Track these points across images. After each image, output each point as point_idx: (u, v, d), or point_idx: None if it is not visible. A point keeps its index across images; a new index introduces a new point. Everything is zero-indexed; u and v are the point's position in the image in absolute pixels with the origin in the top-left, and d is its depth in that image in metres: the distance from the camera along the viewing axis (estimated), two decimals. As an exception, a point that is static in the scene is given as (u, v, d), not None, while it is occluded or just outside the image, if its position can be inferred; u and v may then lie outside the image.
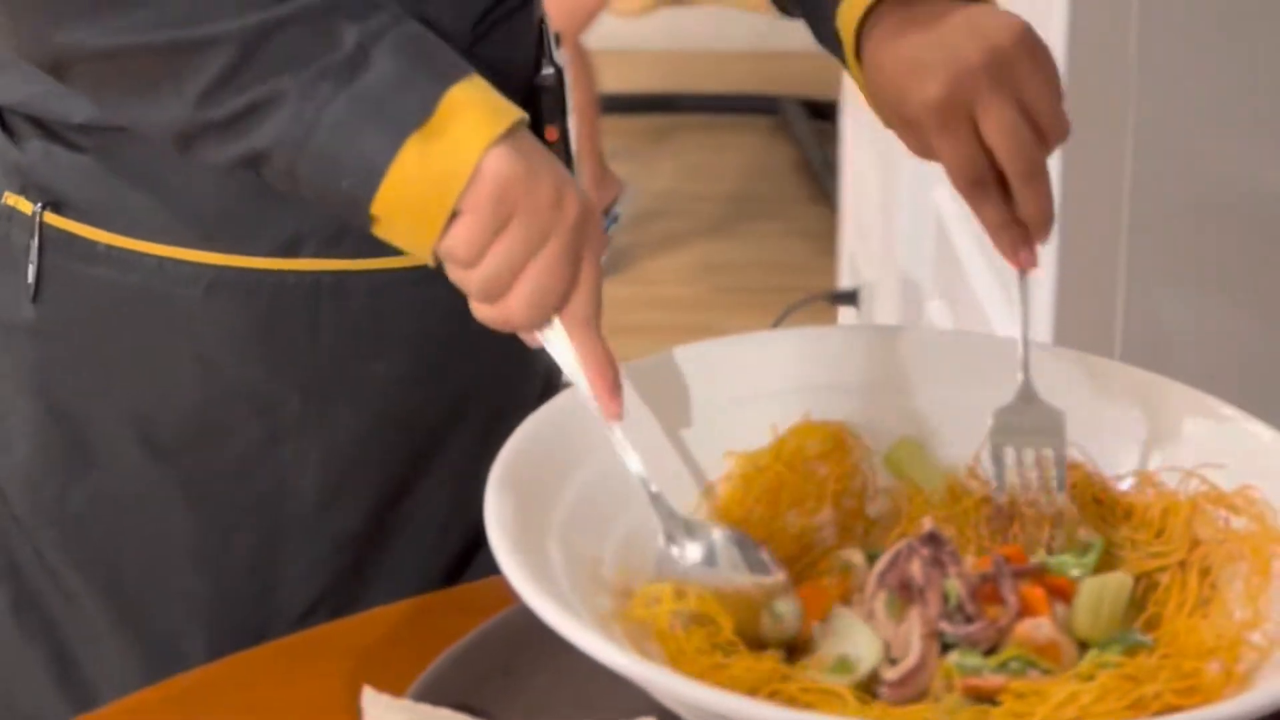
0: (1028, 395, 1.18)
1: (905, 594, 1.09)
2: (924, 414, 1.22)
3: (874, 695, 1.06)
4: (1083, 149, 2.03)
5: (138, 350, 1.30)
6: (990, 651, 1.08)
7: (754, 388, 1.22)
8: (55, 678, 1.35)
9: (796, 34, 1.43)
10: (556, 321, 1.10)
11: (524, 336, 1.12)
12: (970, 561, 1.13)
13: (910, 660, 1.07)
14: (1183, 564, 1.15)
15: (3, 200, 1.32)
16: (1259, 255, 2.05)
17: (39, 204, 1.30)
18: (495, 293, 1.10)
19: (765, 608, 1.09)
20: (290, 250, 1.28)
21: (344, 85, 1.09)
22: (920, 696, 1.06)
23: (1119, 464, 1.20)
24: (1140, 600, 1.15)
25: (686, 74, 5.45)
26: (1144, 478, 1.19)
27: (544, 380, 1.42)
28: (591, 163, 4.48)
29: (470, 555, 1.39)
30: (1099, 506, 1.19)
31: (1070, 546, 1.16)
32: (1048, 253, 2.07)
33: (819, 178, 4.77)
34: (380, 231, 1.12)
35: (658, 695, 1.02)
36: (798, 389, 1.22)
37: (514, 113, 1.11)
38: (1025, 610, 1.10)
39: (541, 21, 1.37)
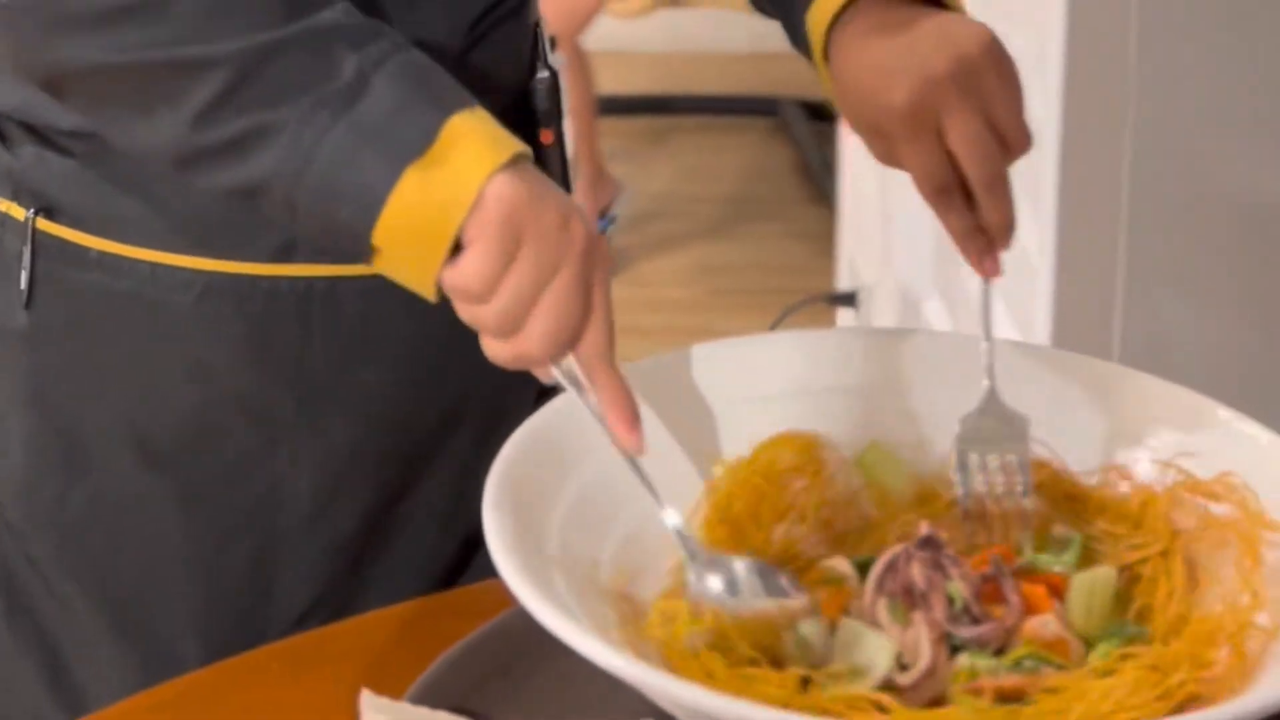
0: (993, 400, 1.19)
1: (908, 599, 1.09)
2: (922, 416, 1.22)
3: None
4: (1082, 152, 2.03)
5: (131, 356, 1.30)
6: (998, 651, 1.08)
7: (752, 390, 1.22)
8: (48, 684, 1.35)
9: (795, 35, 1.43)
10: (570, 356, 1.08)
11: (537, 372, 1.10)
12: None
13: (923, 664, 1.06)
14: (1165, 554, 1.15)
15: (-5, 206, 1.31)
16: (1257, 257, 2.05)
17: (31, 210, 1.30)
18: (511, 327, 1.07)
19: (789, 630, 1.08)
20: (282, 256, 1.27)
21: (343, 113, 1.07)
22: (935, 700, 1.06)
23: (1089, 459, 1.20)
24: (1126, 593, 1.15)
25: (684, 75, 5.45)
26: (1116, 470, 1.19)
27: (539, 384, 1.42)
28: (589, 164, 4.48)
29: (467, 558, 1.39)
30: (1071, 503, 1.19)
31: (1047, 545, 1.16)
32: (1047, 256, 2.08)
33: (817, 179, 4.77)
34: (381, 265, 1.09)
35: (655, 698, 1.01)
36: (796, 391, 1.22)
37: (515, 144, 1.08)
38: (1028, 608, 1.11)
39: (536, 25, 1.37)
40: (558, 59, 1.38)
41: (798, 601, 1.09)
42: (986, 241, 1.20)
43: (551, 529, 1.10)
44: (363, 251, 1.09)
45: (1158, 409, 1.20)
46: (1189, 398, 1.19)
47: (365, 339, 1.30)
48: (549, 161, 1.34)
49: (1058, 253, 2.06)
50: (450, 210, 1.06)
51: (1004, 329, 2.37)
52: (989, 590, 1.11)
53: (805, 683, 1.05)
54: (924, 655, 1.06)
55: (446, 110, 1.07)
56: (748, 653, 1.06)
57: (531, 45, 1.35)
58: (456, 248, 1.07)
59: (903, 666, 1.07)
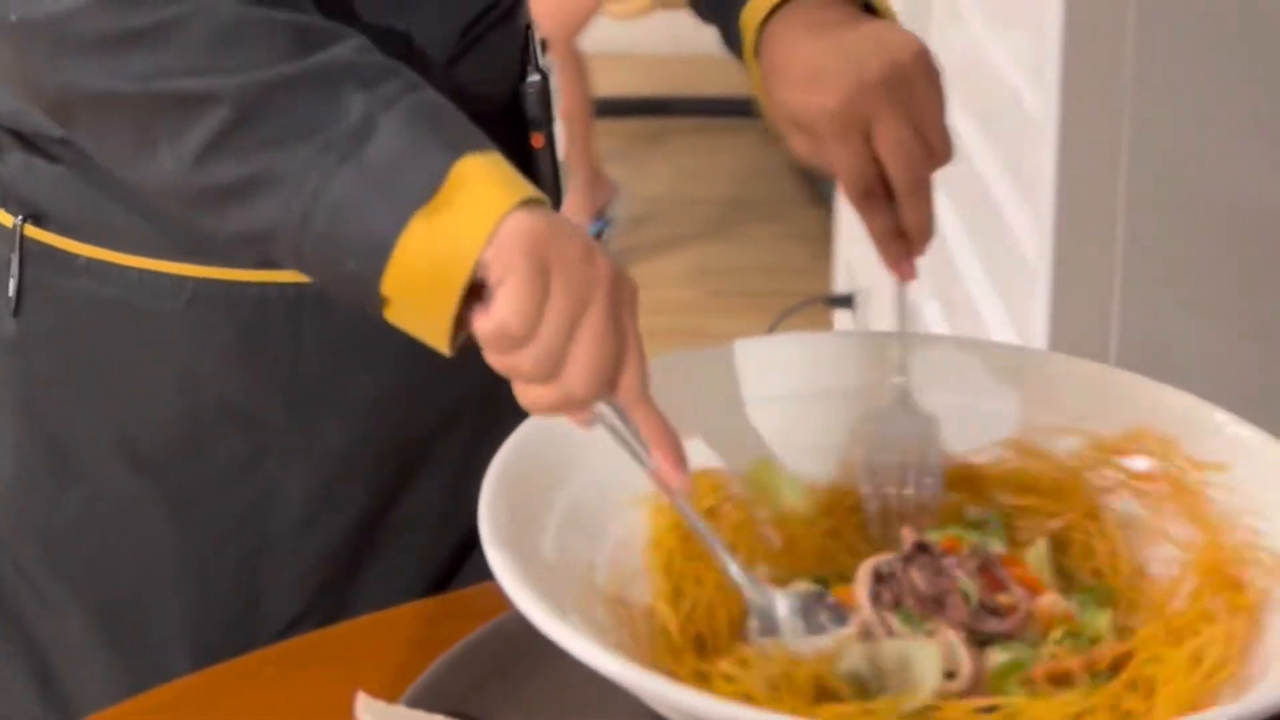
0: (904, 399, 1.20)
1: (920, 606, 1.09)
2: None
3: None
4: (1079, 154, 2.03)
5: (120, 363, 1.29)
6: (1009, 638, 1.09)
7: (751, 392, 1.22)
8: (37, 693, 1.35)
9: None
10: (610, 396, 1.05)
11: (574, 418, 1.06)
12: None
13: (969, 666, 1.06)
14: (1091, 516, 1.17)
15: (-18, 214, 1.31)
16: (1254, 259, 2.05)
17: (19, 217, 1.29)
18: (552, 368, 1.03)
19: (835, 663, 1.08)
20: (271, 262, 1.26)
21: (348, 159, 1.04)
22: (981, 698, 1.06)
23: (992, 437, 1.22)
24: (1066, 564, 1.16)
25: (681, 77, 5.45)
26: (1028, 450, 1.20)
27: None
28: (586, 167, 4.48)
29: (459, 563, 1.38)
30: (980, 486, 1.20)
31: (967, 528, 1.16)
32: (1045, 259, 2.08)
33: (815, 181, 4.77)
34: (394, 316, 1.07)
35: (650, 701, 1.01)
36: (795, 394, 1.22)
37: (527, 187, 1.05)
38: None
39: (528, 28, 1.37)
40: (548, 62, 1.38)
41: (831, 638, 1.08)
42: (905, 245, 1.21)
43: (547, 532, 1.10)
44: (373, 303, 1.06)
45: (1151, 411, 1.20)
46: (1183, 399, 1.19)
47: (356, 345, 1.30)
48: (540, 166, 1.34)
49: (1055, 255, 2.06)
50: (459, 258, 1.03)
51: (1002, 332, 2.37)
52: (987, 582, 1.11)
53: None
54: (964, 659, 1.06)
55: (456, 152, 1.04)
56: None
57: (522, 49, 1.35)
58: (475, 293, 1.04)
59: (948, 675, 1.06)
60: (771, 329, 3.94)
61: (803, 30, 1.21)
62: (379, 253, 1.04)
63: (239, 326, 1.28)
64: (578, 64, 4.40)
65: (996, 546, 1.14)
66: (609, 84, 4.85)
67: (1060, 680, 1.06)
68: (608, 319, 1.03)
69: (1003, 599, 1.09)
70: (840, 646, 1.07)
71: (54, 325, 1.30)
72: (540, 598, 1.01)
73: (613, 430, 1.06)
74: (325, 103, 1.05)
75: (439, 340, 1.05)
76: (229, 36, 1.06)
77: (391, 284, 1.04)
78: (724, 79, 5.44)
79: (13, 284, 1.30)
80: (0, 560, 1.34)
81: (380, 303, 1.06)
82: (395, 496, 1.35)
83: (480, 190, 1.04)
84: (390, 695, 1.12)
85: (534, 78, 1.35)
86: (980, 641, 1.08)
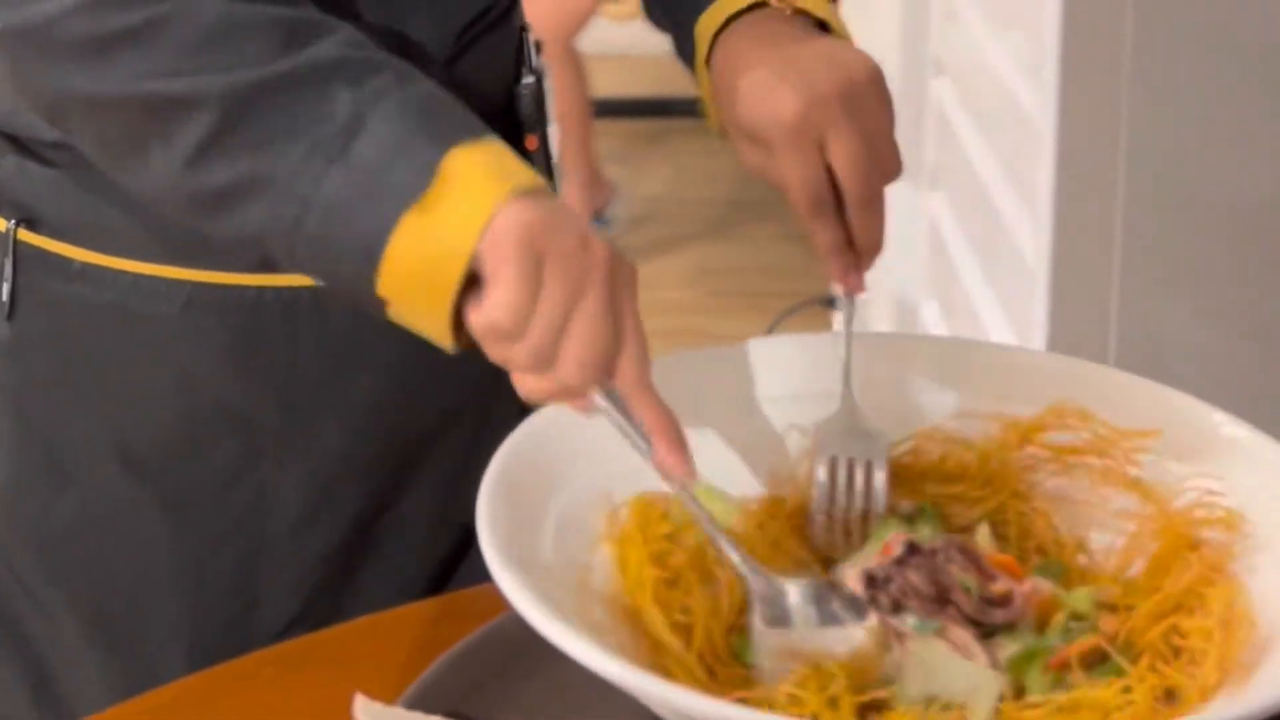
0: (850, 408, 1.20)
1: (924, 606, 1.09)
2: (917, 420, 1.22)
3: None
4: (1077, 155, 2.03)
5: (115, 368, 1.29)
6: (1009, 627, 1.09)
7: (749, 394, 1.22)
8: (32, 697, 1.34)
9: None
10: (608, 385, 1.04)
11: (576, 405, 1.05)
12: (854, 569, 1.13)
13: (984, 660, 1.06)
14: (1020, 496, 1.18)
15: (-25, 218, 1.31)
16: (1253, 259, 2.05)
17: (13, 221, 1.29)
18: (545, 359, 1.02)
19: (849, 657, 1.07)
20: (267, 265, 1.25)
21: (336, 160, 1.03)
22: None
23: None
24: (1003, 548, 1.16)
25: (680, 78, 5.41)
26: (949, 439, 1.20)
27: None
28: (584, 167, 4.48)
29: (456, 563, 1.38)
30: (904, 475, 1.20)
31: (900, 524, 1.16)
32: (1043, 259, 2.07)
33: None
34: (396, 316, 1.06)
35: (649, 703, 1.01)
36: (794, 395, 1.22)
37: (524, 174, 1.04)
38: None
39: (522, 30, 1.37)
40: (542, 64, 1.38)
41: (859, 629, 1.07)
42: (854, 258, 1.21)
43: (545, 533, 1.09)
44: (372, 304, 1.05)
45: (1147, 412, 1.20)
46: (1180, 400, 1.19)
47: (352, 348, 1.29)
48: (534, 168, 1.34)
49: (1054, 256, 2.06)
50: (453, 255, 1.02)
51: (1000, 333, 2.37)
52: (978, 574, 1.11)
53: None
54: (979, 653, 1.06)
55: (445, 146, 1.03)
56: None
57: (517, 51, 1.35)
58: (473, 284, 1.03)
59: None
60: (771, 329, 3.94)
61: (757, 43, 1.21)
62: (371, 255, 1.03)
63: (235, 330, 1.28)
64: (576, 65, 4.40)
65: (933, 537, 1.14)
66: (608, 85, 4.86)
67: (1091, 662, 1.06)
68: (603, 308, 1.03)
69: (997, 588, 1.10)
70: (873, 639, 1.06)
71: (49, 329, 1.30)
72: (538, 599, 1.01)
73: (613, 419, 1.05)
74: (313, 102, 1.04)
75: (441, 337, 1.05)
76: (215, 35, 1.06)
77: (387, 285, 1.04)
78: (723, 80, 5.44)
79: (6, 288, 1.29)
80: (-5, 564, 1.34)
81: (379, 303, 1.05)
82: (392, 498, 1.35)
83: (471, 184, 1.03)
84: (388, 696, 1.12)
85: (528, 79, 1.35)
86: (984, 634, 1.08)
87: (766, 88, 1.18)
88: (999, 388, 1.21)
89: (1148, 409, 1.18)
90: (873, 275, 1.24)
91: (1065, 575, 1.15)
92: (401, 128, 1.04)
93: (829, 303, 3.43)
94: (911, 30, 3.10)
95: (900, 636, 1.07)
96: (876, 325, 3.31)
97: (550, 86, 1.40)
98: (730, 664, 1.08)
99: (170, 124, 1.07)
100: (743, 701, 1.02)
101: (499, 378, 1.25)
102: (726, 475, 1.18)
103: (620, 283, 1.04)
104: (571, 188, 4.44)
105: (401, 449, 1.34)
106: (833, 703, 1.02)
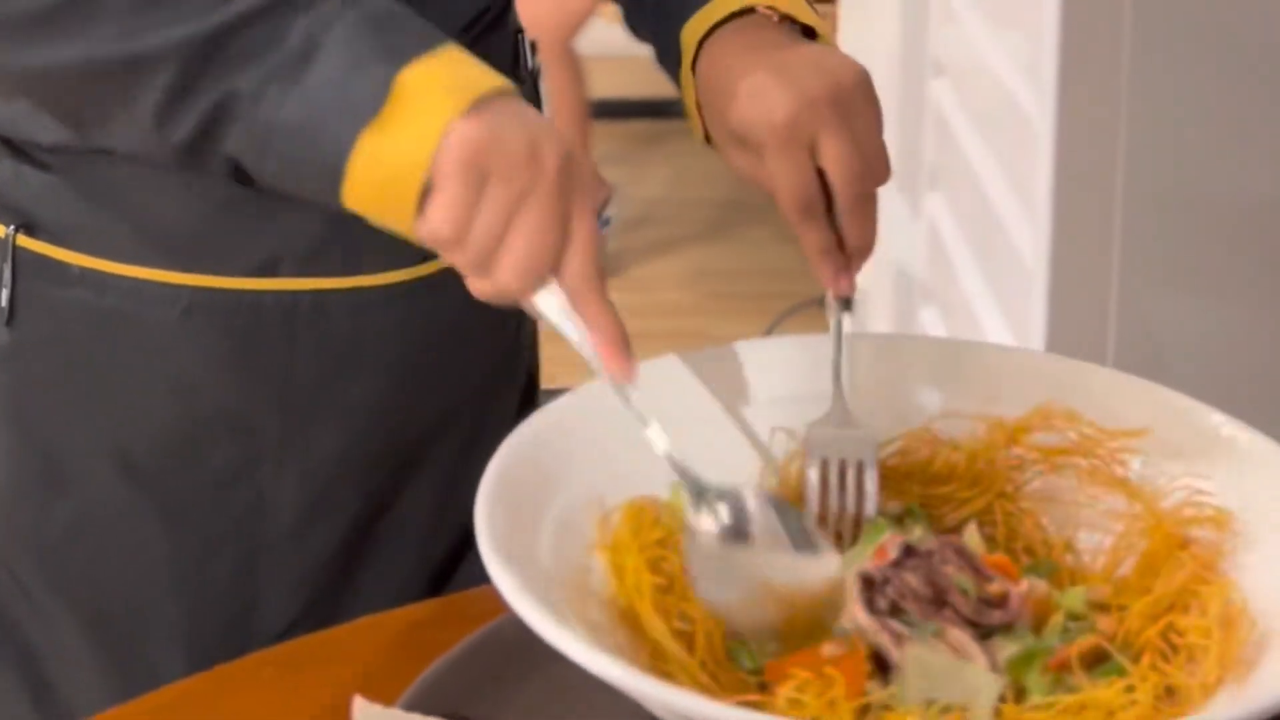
0: (841, 410, 1.19)
1: (921, 607, 1.08)
2: (909, 420, 1.22)
3: None
4: (1076, 154, 2.03)
5: (114, 373, 1.29)
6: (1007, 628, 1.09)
7: (748, 395, 1.21)
8: (31, 702, 1.34)
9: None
10: (554, 285, 1.06)
11: (525, 307, 1.08)
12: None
13: (983, 662, 1.06)
14: (1006, 496, 1.18)
15: (-26, 223, 1.31)
16: (1252, 258, 2.05)
17: (11, 226, 1.29)
18: (484, 262, 1.05)
19: (823, 604, 1.07)
20: (267, 270, 1.27)
21: (292, 85, 1.06)
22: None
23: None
24: (992, 548, 1.16)
25: (679, 79, 5.44)
26: (934, 440, 1.20)
27: (524, 389, 1.42)
28: (583, 168, 4.47)
29: (455, 565, 1.38)
30: (891, 476, 1.20)
31: (891, 525, 1.16)
32: (1042, 258, 2.08)
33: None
34: (372, 222, 1.08)
35: (649, 705, 1.01)
36: (792, 397, 1.22)
37: (479, 85, 1.06)
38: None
39: (518, 31, 1.37)
40: (538, 65, 1.38)
41: (827, 564, 1.07)
42: (844, 260, 1.21)
43: (543, 535, 1.09)
44: (348, 217, 1.08)
45: (1143, 412, 1.20)
46: (1175, 400, 1.19)
47: (350, 351, 1.29)
48: None
49: (1052, 257, 2.06)
50: (409, 168, 1.04)
51: (999, 333, 2.37)
52: (974, 574, 1.11)
53: (864, 709, 1.04)
54: (978, 655, 1.06)
55: (399, 63, 1.05)
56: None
57: (513, 52, 1.35)
58: (426, 195, 1.05)
59: None
60: (769, 331, 3.95)
61: (745, 49, 1.22)
62: (334, 173, 1.06)
63: (234, 334, 1.28)
64: (574, 66, 4.40)
65: (925, 538, 1.14)
66: (606, 86, 4.85)
67: (1090, 662, 1.06)
68: (544, 217, 1.04)
69: (993, 589, 1.09)
70: (848, 565, 1.07)
71: (48, 334, 1.29)
72: (537, 601, 1.01)
73: (554, 322, 1.06)
74: (266, 35, 1.06)
75: (415, 242, 1.07)
76: None
77: (351, 199, 1.06)
78: (721, 81, 5.44)
79: (5, 293, 1.29)
80: (-6, 570, 1.34)
81: (356, 216, 1.08)
82: (390, 501, 1.35)
83: (425, 101, 1.04)
84: (387, 698, 1.12)
85: (524, 81, 1.35)
86: (981, 635, 1.08)
87: (754, 92, 1.18)
88: (991, 388, 1.21)
89: (1142, 409, 1.18)
90: (871, 276, 1.24)
91: (1055, 575, 1.15)
92: (355, 48, 1.06)
93: (827, 304, 3.42)
94: (910, 31, 3.10)
95: (899, 639, 1.06)
96: (874, 326, 3.31)
97: (547, 88, 1.40)
98: (731, 668, 1.08)
99: (130, 88, 1.09)
100: (749, 705, 1.02)
101: (497, 378, 1.25)
102: (720, 476, 1.17)
103: (572, 186, 1.06)
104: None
105: (400, 451, 1.34)
106: (832, 705, 1.02)
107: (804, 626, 1.07)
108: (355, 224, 1.08)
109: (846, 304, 1.23)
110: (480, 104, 1.05)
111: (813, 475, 1.17)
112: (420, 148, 1.04)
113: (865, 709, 1.03)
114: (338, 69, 1.05)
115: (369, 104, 1.04)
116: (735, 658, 1.09)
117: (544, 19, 4.26)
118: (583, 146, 4.44)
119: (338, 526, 1.33)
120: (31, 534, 1.32)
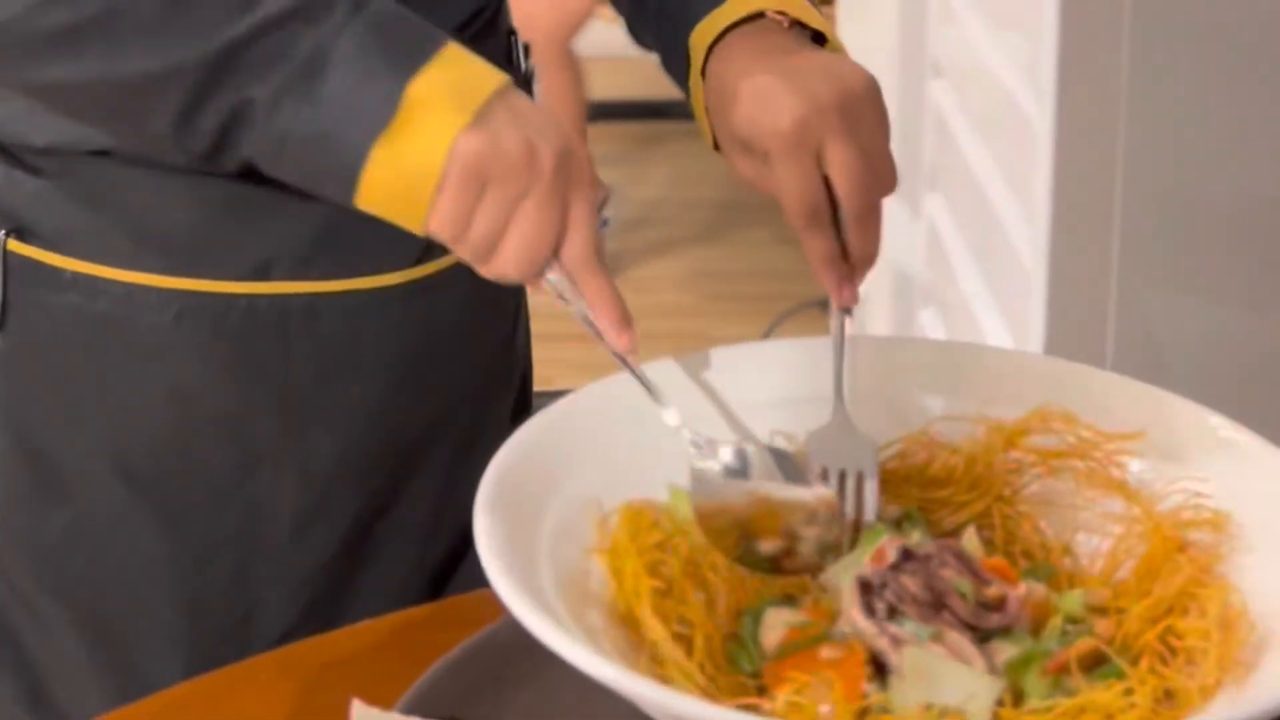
0: (842, 418, 1.19)
1: (920, 611, 1.08)
2: (908, 424, 1.22)
3: None
4: (1075, 154, 2.03)
5: (108, 378, 1.29)
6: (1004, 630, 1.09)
7: (746, 398, 1.21)
8: (28, 706, 1.34)
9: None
10: (557, 266, 1.11)
11: (529, 288, 1.13)
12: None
13: (981, 665, 1.06)
14: (1004, 500, 1.18)
15: (-36, 229, 1.30)
16: (1251, 259, 2.05)
17: (3, 230, 1.29)
18: (485, 256, 1.10)
19: (807, 526, 1.09)
20: (260, 273, 1.27)
21: (305, 97, 1.09)
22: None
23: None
24: (990, 551, 1.16)
25: (678, 80, 5.44)
26: (931, 443, 1.20)
27: (520, 390, 1.41)
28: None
29: (452, 568, 1.38)
30: (889, 480, 1.20)
31: (890, 529, 1.16)
32: (1041, 260, 2.07)
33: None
34: (383, 220, 1.12)
35: (647, 709, 1.01)
36: (791, 399, 1.21)
37: (481, 91, 1.10)
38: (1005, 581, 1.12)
39: (510, 33, 1.37)
40: (531, 67, 1.38)
41: (821, 494, 1.10)
42: (848, 269, 1.21)
43: (541, 539, 1.09)
44: (340, 220, 1.13)
45: (1141, 414, 1.20)
46: (1173, 402, 1.19)
47: (345, 355, 1.29)
48: None
49: (1051, 258, 2.05)
50: (423, 179, 1.08)
51: (997, 335, 2.37)
52: (972, 577, 1.11)
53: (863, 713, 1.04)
54: (976, 658, 1.06)
55: (408, 73, 1.08)
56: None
57: (505, 55, 1.35)
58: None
59: None
60: (768, 332, 3.95)
61: (754, 55, 1.22)
62: (348, 181, 1.09)
63: (228, 339, 1.27)
64: (572, 67, 4.40)
65: (924, 541, 1.14)
66: (604, 87, 4.85)
67: (1088, 664, 1.05)
68: (544, 205, 1.09)
69: (991, 592, 1.09)
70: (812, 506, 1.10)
71: (41, 340, 1.29)
72: (535, 604, 1.00)
73: (562, 301, 1.11)
74: (278, 49, 1.09)
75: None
76: (177, 5, 1.09)
77: (366, 204, 1.10)
78: (719, 82, 5.44)
79: None
80: (-9, 577, 1.34)
81: (347, 218, 1.12)
82: (387, 504, 1.34)
83: (432, 113, 1.08)
84: (385, 702, 1.12)
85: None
86: (980, 638, 1.08)
87: (762, 98, 1.18)
88: (989, 390, 1.21)
89: (1141, 411, 1.18)
90: (870, 278, 1.24)
91: (1053, 578, 1.15)
92: (364, 58, 1.09)
93: (826, 306, 3.42)
94: (909, 32, 3.10)
95: (897, 642, 1.06)
96: (873, 326, 3.31)
97: (540, 90, 1.40)
98: (730, 671, 1.08)
99: (149, 99, 1.11)
100: (747, 708, 1.02)
101: (493, 379, 1.25)
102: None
103: (568, 179, 1.10)
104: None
105: (397, 452, 1.34)
106: (831, 708, 1.02)
107: (801, 557, 1.11)
108: (347, 227, 1.10)
109: (848, 311, 1.23)
110: (482, 113, 1.09)
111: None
112: (430, 159, 1.08)
113: (864, 712, 1.03)
114: (348, 82, 1.08)
115: (380, 117, 1.08)
116: (734, 661, 1.09)
117: (543, 20, 4.25)
118: (581, 147, 4.44)
119: (336, 529, 1.33)
120: (28, 539, 1.32)
